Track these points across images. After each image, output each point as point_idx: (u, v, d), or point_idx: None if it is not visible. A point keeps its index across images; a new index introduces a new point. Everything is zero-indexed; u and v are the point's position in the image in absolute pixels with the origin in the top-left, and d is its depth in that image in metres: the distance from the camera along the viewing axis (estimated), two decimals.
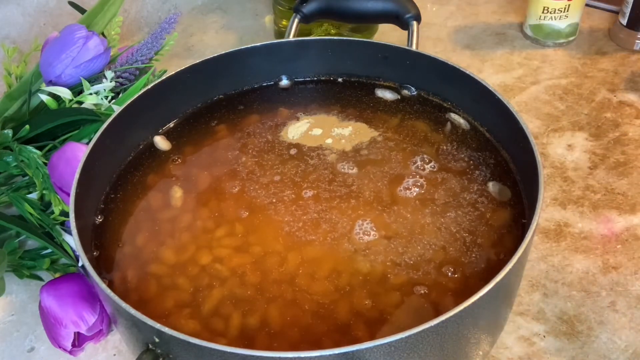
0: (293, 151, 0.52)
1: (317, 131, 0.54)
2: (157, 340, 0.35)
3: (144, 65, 0.63)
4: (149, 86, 0.52)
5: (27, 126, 0.56)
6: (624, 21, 0.79)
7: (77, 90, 0.59)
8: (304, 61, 0.59)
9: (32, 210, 0.53)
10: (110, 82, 0.59)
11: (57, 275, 0.52)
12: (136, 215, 0.48)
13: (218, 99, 0.58)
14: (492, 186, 0.47)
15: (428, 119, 0.55)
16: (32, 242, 0.57)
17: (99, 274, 0.38)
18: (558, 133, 0.68)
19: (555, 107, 0.71)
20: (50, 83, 0.59)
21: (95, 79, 0.60)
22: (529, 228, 0.38)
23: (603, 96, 0.72)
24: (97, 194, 0.49)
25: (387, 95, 0.57)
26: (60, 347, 0.48)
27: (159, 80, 0.53)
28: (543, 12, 0.78)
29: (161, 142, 0.54)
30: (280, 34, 0.84)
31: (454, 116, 0.54)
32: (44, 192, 0.54)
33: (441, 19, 0.89)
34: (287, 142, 0.53)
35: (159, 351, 0.36)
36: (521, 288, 0.53)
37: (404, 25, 0.60)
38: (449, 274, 0.42)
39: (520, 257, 0.36)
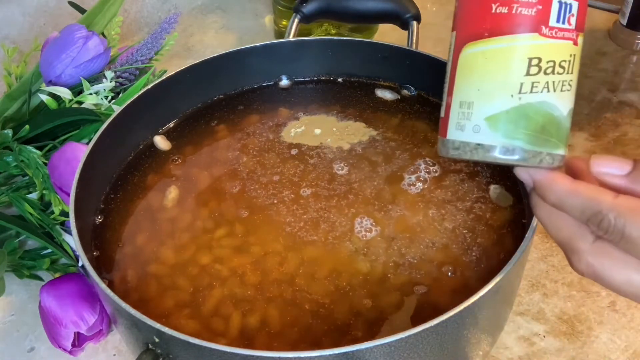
0: (294, 151, 0.52)
1: (317, 131, 0.54)
2: (157, 340, 0.35)
3: (144, 65, 0.63)
4: (149, 86, 0.52)
5: (27, 126, 0.56)
6: (624, 21, 0.79)
7: (77, 90, 0.59)
8: (304, 61, 0.59)
9: (32, 210, 0.53)
10: (110, 82, 0.59)
11: (57, 275, 0.52)
12: (136, 215, 0.48)
13: (218, 99, 0.58)
14: (492, 190, 0.47)
15: (428, 119, 0.55)
16: (32, 242, 0.57)
17: (99, 274, 0.38)
18: None
19: None
20: (50, 83, 0.59)
21: (95, 79, 0.60)
22: (529, 228, 0.38)
23: (603, 96, 0.72)
24: (97, 194, 0.49)
25: (387, 95, 0.57)
26: (60, 347, 0.48)
27: (159, 80, 0.53)
28: None
29: (161, 142, 0.54)
30: (280, 34, 0.84)
31: None
32: (44, 192, 0.54)
33: (441, 19, 0.89)
34: (287, 142, 0.53)
35: (159, 351, 0.36)
36: (521, 288, 0.53)
37: (404, 25, 0.60)
38: (449, 273, 0.42)
39: (520, 257, 0.36)
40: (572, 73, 0.30)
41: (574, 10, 0.30)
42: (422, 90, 0.57)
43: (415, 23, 0.60)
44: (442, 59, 0.53)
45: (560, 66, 0.29)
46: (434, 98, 0.56)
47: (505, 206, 0.46)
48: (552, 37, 0.29)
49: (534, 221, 0.38)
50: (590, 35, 0.82)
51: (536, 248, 0.56)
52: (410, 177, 0.49)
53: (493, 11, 0.30)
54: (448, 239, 0.44)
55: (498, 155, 0.30)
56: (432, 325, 0.33)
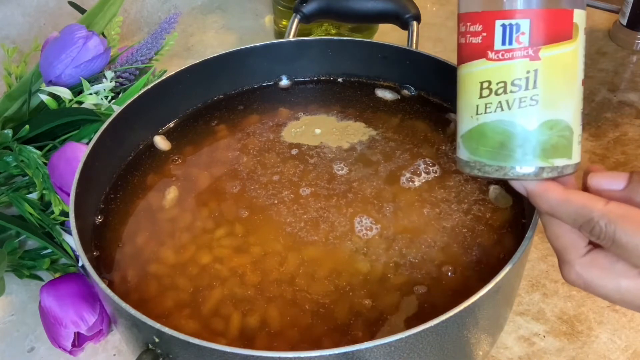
0: (294, 151, 0.52)
1: (317, 131, 0.54)
2: (157, 340, 0.35)
3: (144, 65, 0.63)
4: (149, 86, 0.52)
5: (27, 126, 0.56)
6: (624, 21, 0.79)
7: (77, 90, 0.59)
8: (304, 61, 0.59)
9: (32, 210, 0.53)
10: (110, 82, 0.59)
11: (57, 275, 0.52)
12: (136, 215, 0.48)
13: (218, 99, 0.58)
14: (492, 190, 0.47)
15: (428, 119, 0.55)
16: (32, 242, 0.57)
17: (99, 274, 0.38)
18: None
19: None
20: (50, 83, 0.59)
21: (95, 79, 0.60)
22: (529, 228, 0.38)
23: (603, 96, 0.72)
24: (97, 194, 0.49)
25: (387, 95, 0.57)
26: (60, 347, 0.48)
27: (159, 80, 0.53)
28: None
29: (161, 142, 0.54)
30: (280, 34, 0.84)
31: (454, 116, 0.54)
32: (44, 192, 0.54)
33: (441, 19, 0.89)
34: (287, 141, 0.53)
35: (159, 351, 0.36)
36: (521, 288, 0.53)
37: (404, 25, 0.60)
38: (449, 273, 0.42)
39: (520, 257, 0.36)
40: (534, 88, 0.31)
41: (525, 28, 0.30)
42: (422, 90, 0.57)
43: (415, 23, 0.60)
44: (442, 59, 0.53)
45: (514, 85, 0.31)
46: (434, 98, 0.56)
47: (505, 207, 0.46)
48: (499, 60, 0.31)
49: (534, 221, 0.38)
50: (590, 35, 0.82)
51: (536, 248, 0.56)
52: (410, 177, 0.49)
53: (459, 42, 0.33)
54: (448, 238, 0.44)
55: (470, 170, 0.33)
56: (432, 325, 0.33)
